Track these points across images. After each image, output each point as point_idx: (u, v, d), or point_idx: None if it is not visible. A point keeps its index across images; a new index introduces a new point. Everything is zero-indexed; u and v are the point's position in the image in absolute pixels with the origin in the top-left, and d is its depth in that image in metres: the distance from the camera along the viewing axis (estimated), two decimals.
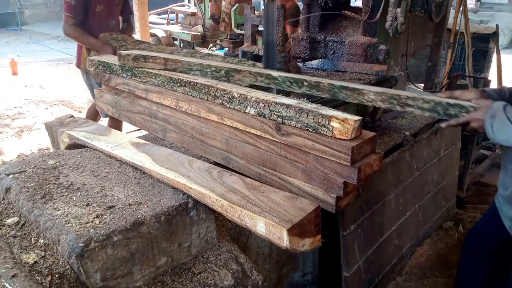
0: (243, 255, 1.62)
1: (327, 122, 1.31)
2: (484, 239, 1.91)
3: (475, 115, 1.43)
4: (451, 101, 1.41)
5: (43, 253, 1.31)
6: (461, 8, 3.94)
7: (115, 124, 3.15)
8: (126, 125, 3.06)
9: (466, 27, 4.05)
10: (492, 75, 4.91)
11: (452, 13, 3.81)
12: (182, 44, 7.52)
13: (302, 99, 1.54)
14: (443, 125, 1.55)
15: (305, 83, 1.59)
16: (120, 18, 3.57)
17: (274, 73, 1.71)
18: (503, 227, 1.76)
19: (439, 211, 2.80)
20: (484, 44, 4.80)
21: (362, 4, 2.25)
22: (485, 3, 14.13)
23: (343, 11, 2.28)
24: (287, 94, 1.68)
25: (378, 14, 2.15)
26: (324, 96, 1.59)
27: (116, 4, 3.42)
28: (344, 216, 1.90)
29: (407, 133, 2.34)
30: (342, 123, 1.28)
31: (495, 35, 4.66)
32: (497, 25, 4.75)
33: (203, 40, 6.95)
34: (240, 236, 1.75)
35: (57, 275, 1.24)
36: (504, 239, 1.77)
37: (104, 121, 3.55)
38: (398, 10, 2.13)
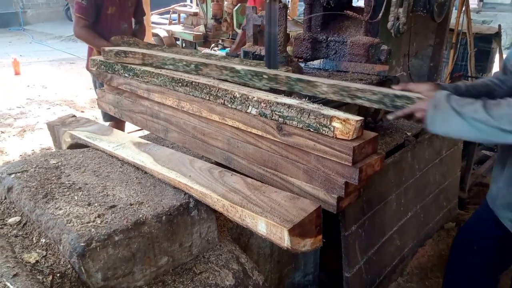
0: (244, 255, 1.62)
1: (328, 122, 1.30)
2: (474, 237, 1.90)
3: (419, 105, 1.41)
4: (398, 92, 1.40)
5: (44, 253, 1.32)
6: (464, 8, 3.93)
7: (118, 127, 3.15)
8: (128, 125, 3.06)
9: (468, 27, 4.04)
10: None
11: (454, 13, 3.80)
12: (184, 44, 7.53)
13: (304, 99, 1.54)
14: (389, 116, 1.51)
15: (265, 76, 1.65)
16: (133, 20, 3.53)
17: (238, 67, 1.75)
18: (494, 224, 1.75)
19: (441, 211, 2.79)
20: (486, 45, 4.79)
21: (364, 4, 2.24)
22: (487, 3, 14.08)
23: (345, 11, 2.28)
24: (289, 94, 1.68)
25: (380, 14, 2.15)
26: (282, 88, 1.64)
27: (128, 6, 3.37)
28: (345, 217, 1.90)
29: (408, 134, 2.33)
30: (344, 124, 1.28)
31: (497, 35, 4.65)
32: (499, 26, 4.74)
33: (205, 40, 6.96)
34: (241, 236, 1.75)
35: (58, 275, 1.25)
36: (497, 236, 1.76)
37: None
38: (400, 10, 2.13)
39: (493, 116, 1.26)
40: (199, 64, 1.85)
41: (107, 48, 2.24)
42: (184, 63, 1.90)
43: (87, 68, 3.45)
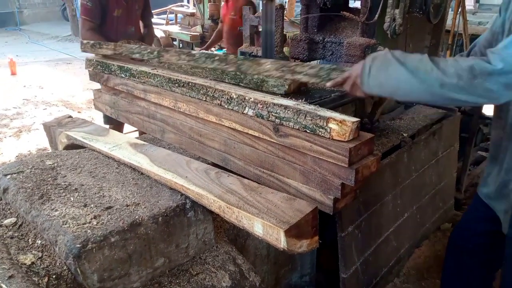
0: (240, 256, 1.62)
1: (325, 124, 1.31)
2: (467, 235, 1.90)
3: (355, 67, 1.36)
4: (334, 66, 1.41)
5: (40, 254, 1.31)
6: (460, 10, 3.95)
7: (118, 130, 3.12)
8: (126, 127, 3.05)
9: (464, 28, 4.06)
10: None
11: (450, 14, 3.82)
12: (181, 45, 7.53)
13: (301, 100, 1.54)
14: (328, 84, 1.48)
15: (216, 57, 1.72)
16: (141, 23, 3.47)
17: (193, 51, 1.83)
18: (485, 219, 1.76)
19: (437, 212, 2.80)
20: None
21: (361, 5, 2.24)
22: (483, 5, 14.14)
23: (341, 12, 2.28)
24: (285, 95, 1.68)
25: (376, 15, 2.15)
26: (232, 69, 1.69)
27: (135, 9, 3.30)
28: (342, 217, 1.90)
29: (405, 135, 2.34)
30: (340, 125, 1.28)
31: None
32: None
33: (202, 41, 6.96)
34: (238, 237, 1.75)
35: (54, 276, 1.24)
36: (489, 231, 1.77)
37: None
38: (397, 11, 2.13)
39: (439, 67, 1.21)
40: (161, 51, 1.93)
41: (84, 41, 2.38)
42: (148, 50, 1.97)
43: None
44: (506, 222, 1.66)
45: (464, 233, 1.94)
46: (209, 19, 6.86)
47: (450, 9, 3.48)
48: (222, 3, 4.77)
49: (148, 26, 3.58)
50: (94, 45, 2.29)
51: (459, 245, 1.96)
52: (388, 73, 1.28)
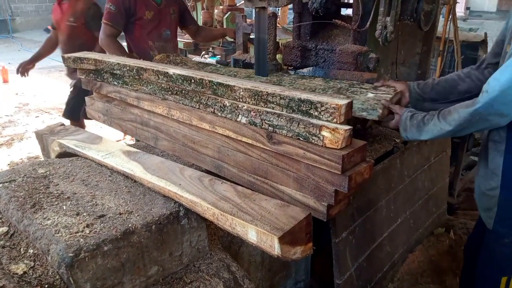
0: (235, 263, 1.61)
1: (317, 132, 1.31)
2: (478, 243, 1.94)
3: (394, 122, 1.79)
4: (303, 97, 1.38)
5: (32, 264, 1.30)
6: (450, 16, 3.99)
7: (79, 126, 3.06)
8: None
9: (455, 35, 4.10)
10: None
11: (441, 21, 3.86)
12: None
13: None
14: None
15: (193, 81, 1.67)
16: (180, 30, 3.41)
17: (170, 71, 1.76)
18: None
19: (430, 217, 2.81)
20: (473, 52, 4.86)
21: (352, 13, 2.27)
22: (474, 11, 14.34)
23: (333, 20, 2.30)
24: None
25: (368, 23, 2.17)
26: (208, 92, 1.65)
27: (170, 13, 3.23)
28: (335, 223, 1.91)
29: (397, 140, 2.36)
30: (333, 133, 1.29)
31: (484, 43, 4.73)
32: (485, 33, 4.82)
33: (196, 48, 6.97)
34: (232, 244, 1.75)
35: (46, 286, 1.23)
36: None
37: (93, 129, 3.53)
38: (388, 19, 2.16)
39: (448, 122, 1.58)
40: (139, 69, 1.89)
41: (66, 55, 2.32)
42: (128, 68, 1.95)
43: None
44: (490, 219, 1.75)
45: (474, 242, 2.01)
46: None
47: (441, 16, 3.52)
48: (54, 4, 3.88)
49: (196, 24, 3.58)
50: (75, 60, 2.26)
51: (473, 249, 2.01)
52: (420, 137, 1.70)
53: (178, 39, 7.23)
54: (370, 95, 1.83)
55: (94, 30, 3.54)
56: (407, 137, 1.74)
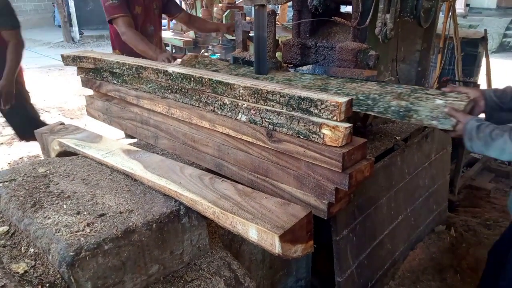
0: (236, 261, 1.61)
1: (318, 129, 1.31)
2: (507, 248, 1.91)
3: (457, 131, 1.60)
4: (303, 94, 1.37)
5: (33, 263, 1.30)
6: (450, 13, 3.98)
7: None
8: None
9: (455, 32, 4.09)
10: (481, 79, 4.96)
11: (441, 18, 3.85)
12: (174, 50, 7.52)
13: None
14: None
15: (192, 79, 1.66)
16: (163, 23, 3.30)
17: (170, 69, 1.76)
18: None
19: (431, 215, 2.81)
20: (473, 49, 4.85)
21: (352, 10, 2.26)
22: (474, 8, 14.32)
23: (333, 17, 2.30)
24: None
25: (368, 20, 2.17)
26: (208, 91, 1.64)
27: (153, 8, 3.17)
28: (336, 221, 1.91)
29: (398, 138, 2.35)
30: (333, 130, 1.29)
31: (484, 39, 4.71)
32: (485, 30, 4.81)
33: (195, 46, 6.96)
34: (232, 242, 1.75)
35: (47, 285, 1.23)
36: None
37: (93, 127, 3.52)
38: (388, 16, 2.15)
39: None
40: (139, 67, 1.88)
41: (65, 54, 2.32)
42: (127, 66, 1.94)
43: None
44: None
45: (504, 247, 1.97)
46: None
47: (440, 13, 3.51)
48: None
49: (184, 11, 3.47)
50: (74, 59, 2.27)
51: (500, 253, 1.98)
52: (487, 152, 1.55)
53: (177, 37, 7.20)
54: (439, 101, 1.67)
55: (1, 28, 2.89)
56: (472, 149, 1.60)
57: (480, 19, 13.07)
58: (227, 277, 1.52)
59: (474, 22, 12.60)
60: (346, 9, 2.80)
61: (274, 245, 1.25)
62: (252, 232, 1.30)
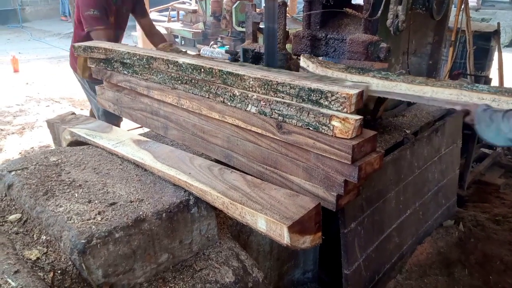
0: (244, 252, 1.63)
1: (327, 121, 1.31)
2: None
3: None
4: (313, 86, 1.36)
5: (45, 250, 1.32)
6: (463, 6, 3.93)
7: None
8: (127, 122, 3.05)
9: (467, 25, 4.03)
10: (493, 73, 4.90)
11: (453, 11, 3.80)
12: (183, 42, 7.52)
13: None
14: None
15: (203, 70, 1.66)
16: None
17: (180, 60, 1.76)
18: None
19: (440, 209, 2.80)
20: (485, 42, 4.78)
21: (363, 1, 2.24)
22: (486, 1, 14.08)
23: (344, 8, 2.28)
24: None
25: (379, 12, 2.15)
26: (218, 82, 1.63)
27: (123, 13, 3.06)
28: (344, 214, 1.91)
29: (407, 131, 2.34)
30: (343, 122, 1.28)
31: (496, 33, 4.64)
32: (498, 23, 4.74)
33: (204, 38, 6.97)
34: (241, 233, 1.76)
35: (59, 271, 1.26)
36: None
37: None
38: (399, 7, 2.13)
39: None
40: (149, 58, 1.89)
41: (76, 44, 2.36)
42: (138, 57, 1.95)
43: (71, 65, 3.26)
44: None
45: None
46: (211, 16, 6.86)
47: (453, 6, 3.46)
48: None
49: (147, 19, 3.32)
50: (85, 49, 2.28)
51: None
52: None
53: (186, 29, 7.13)
54: None
55: None
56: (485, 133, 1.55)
57: (493, 13, 12.85)
58: (235, 267, 1.54)
59: (487, 16, 12.38)
60: (357, 0, 2.77)
61: (283, 235, 1.25)
62: (261, 223, 1.31)
